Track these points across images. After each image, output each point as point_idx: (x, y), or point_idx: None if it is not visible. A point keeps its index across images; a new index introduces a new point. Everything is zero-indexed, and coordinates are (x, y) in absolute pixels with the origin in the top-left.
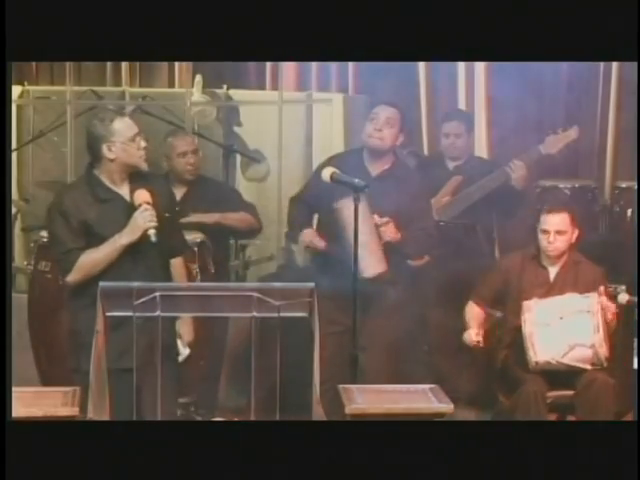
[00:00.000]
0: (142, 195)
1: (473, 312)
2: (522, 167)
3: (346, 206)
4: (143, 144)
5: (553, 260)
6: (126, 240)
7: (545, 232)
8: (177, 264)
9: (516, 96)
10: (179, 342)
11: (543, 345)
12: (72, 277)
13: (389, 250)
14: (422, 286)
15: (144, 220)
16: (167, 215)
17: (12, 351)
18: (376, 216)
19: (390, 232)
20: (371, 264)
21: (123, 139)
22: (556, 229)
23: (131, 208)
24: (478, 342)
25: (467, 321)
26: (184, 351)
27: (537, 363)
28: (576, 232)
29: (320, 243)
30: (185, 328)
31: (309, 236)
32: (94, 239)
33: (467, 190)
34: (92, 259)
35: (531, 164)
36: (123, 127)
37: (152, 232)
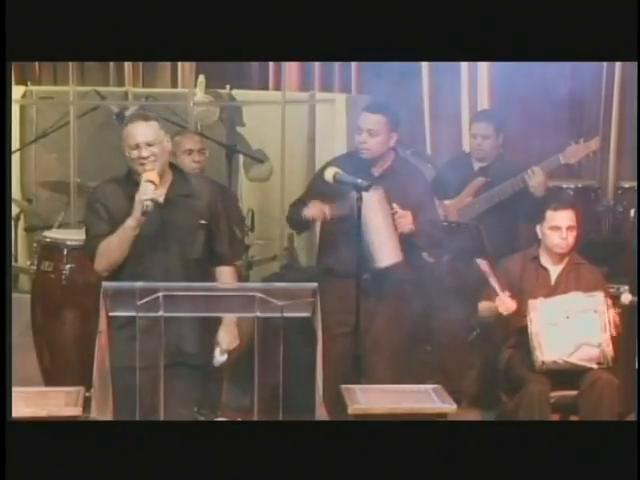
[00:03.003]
0: (148, 174)
1: (485, 304)
2: (540, 174)
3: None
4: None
5: (559, 258)
6: (132, 221)
7: (556, 229)
8: (225, 273)
9: (519, 97)
10: (217, 349)
11: (550, 345)
12: (96, 265)
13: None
14: (425, 286)
15: (140, 195)
16: (203, 222)
17: (15, 351)
18: (395, 205)
19: (407, 223)
20: (387, 253)
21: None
22: (567, 225)
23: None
24: (516, 308)
25: (488, 310)
26: (220, 358)
27: (544, 363)
28: (578, 231)
29: (327, 210)
30: (225, 336)
31: (316, 206)
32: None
33: (487, 193)
34: (107, 244)
35: (550, 172)
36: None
37: (147, 204)
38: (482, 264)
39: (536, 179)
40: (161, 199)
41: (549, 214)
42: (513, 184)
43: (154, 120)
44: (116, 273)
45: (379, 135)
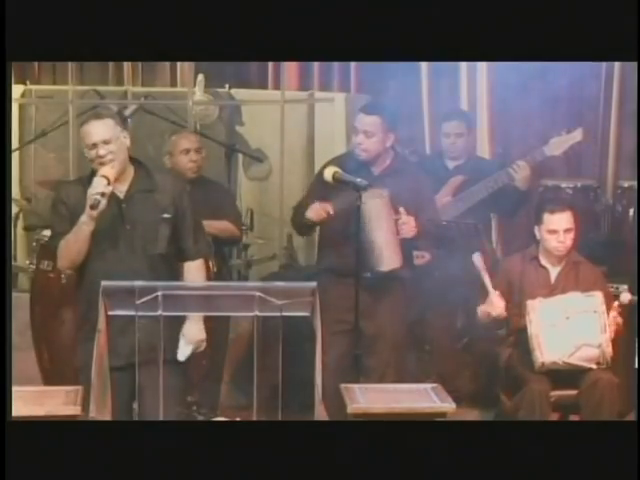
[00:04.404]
0: (102, 170)
1: (483, 307)
2: (525, 168)
3: (368, 198)
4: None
5: (558, 260)
6: (84, 216)
7: (553, 232)
8: (191, 269)
9: (518, 96)
10: (181, 341)
11: (550, 346)
12: (59, 262)
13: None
14: (424, 285)
15: (91, 190)
16: (166, 216)
17: (14, 350)
18: (402, 209)
19: (410, 230)
20: (387, 258)
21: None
22: (565, 227)
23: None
24: (505, 308)
25: (486, 312)
26: (185, 349)
27: (543, 364)
28: (577, 232)
29: (329, 208)
30: (190, 328)
31: (316, 208)
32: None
33: (469, 190)
34: (65, 241)
35: (535, 165)
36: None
37: (96, 198)
38: (477, 259)
39: (522, 173)
40: (122, 195)
41: (546, 217)
42: (497, 179)
43: (109, 117)
44: (80, 270)
45: (375, 136)
